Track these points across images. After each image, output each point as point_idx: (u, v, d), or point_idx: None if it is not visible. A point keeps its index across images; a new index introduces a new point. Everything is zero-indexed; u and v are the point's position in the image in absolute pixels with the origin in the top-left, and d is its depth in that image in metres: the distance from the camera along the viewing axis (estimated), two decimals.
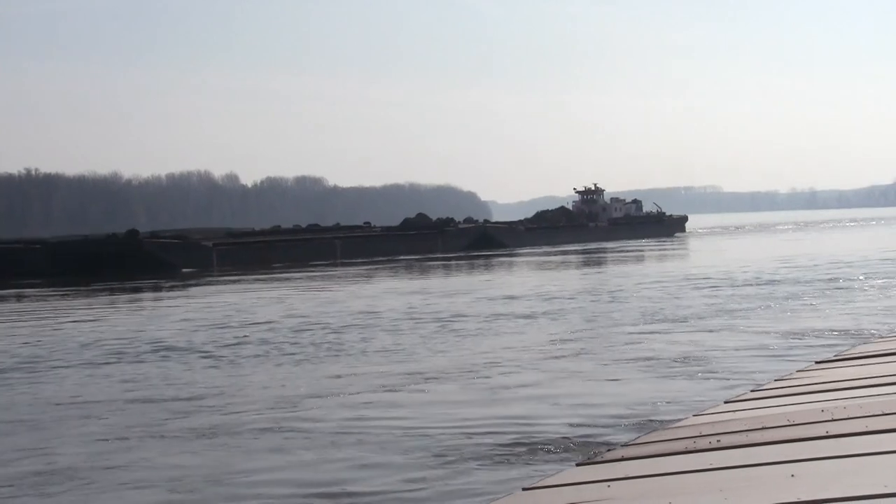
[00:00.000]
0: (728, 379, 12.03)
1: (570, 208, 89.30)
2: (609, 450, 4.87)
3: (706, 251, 55.10)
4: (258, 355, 15.72)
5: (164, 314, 24.33)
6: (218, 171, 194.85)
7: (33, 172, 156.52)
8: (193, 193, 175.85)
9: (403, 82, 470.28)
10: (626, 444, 4.78)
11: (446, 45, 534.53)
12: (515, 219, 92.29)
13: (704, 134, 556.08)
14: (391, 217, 77.87)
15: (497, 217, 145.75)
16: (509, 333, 17.66)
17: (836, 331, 16.03)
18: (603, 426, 9.67)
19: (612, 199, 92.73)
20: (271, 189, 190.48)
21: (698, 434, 4.41)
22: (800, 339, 15.28)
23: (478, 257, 55.71)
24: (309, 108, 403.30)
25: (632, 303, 22.48)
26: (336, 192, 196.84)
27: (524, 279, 34.78)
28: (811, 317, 18.35)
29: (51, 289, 37.17)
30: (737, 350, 14.40)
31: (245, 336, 18.24)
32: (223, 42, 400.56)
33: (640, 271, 36.65)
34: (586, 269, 41.22)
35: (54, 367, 15.20)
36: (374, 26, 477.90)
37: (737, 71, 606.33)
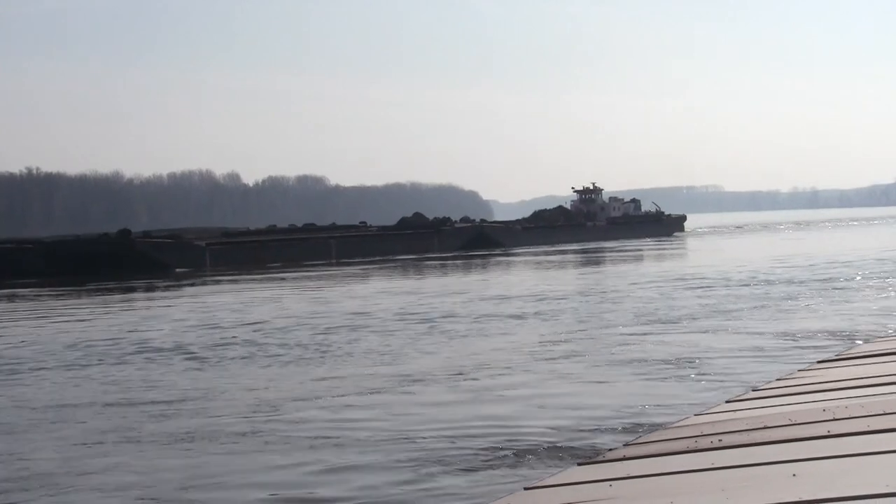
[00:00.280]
0: (720, 381, 11.83)
1: (569, 208, 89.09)
2: (610, 449, 4.83)
3: (704, 251, 54.88)
4: (244, 357, 15.51)
5: (152, 315, 24.12)
6: (219, 171, 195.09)
7: (34, 172, 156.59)
8: (195, 193, 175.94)
9: (403, 82, 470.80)
10: (627, 444, 4.74)
11: (446, 45, 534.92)
12: (517, 218, 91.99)
13: (705, 134, 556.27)
14: (393, 216, 77.65)
15: (499, 216, 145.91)
16: (500, 334, 17.45)
17: (830, 332, 15.81)
18: (589, 430, 9.48)
19: (610, 198, 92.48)
20: (273, 188, 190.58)
21: (699, 433, 4.40)
22: (794, 340, 15.07)
23: (474, 257, 55.49)
24: (309, 107, 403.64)
25: (626, 303, 22.27)
26: (338, 191, 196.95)
27: (519, 279, 34.55)
28: (806, 317, 18.13)
29: (42, 289, 36.99)
30: (730, 352, 14.19)
31: (233, 337, 18.02)
32: (223, 42, 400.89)
33: (635, 271, 36.44)
34: (582, 269, 41.00)
35: (36, 369, 14.98)
36: (374, 26, 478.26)
37: (737, 71, 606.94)
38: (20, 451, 9.66)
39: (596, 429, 9.53)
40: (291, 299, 27.58)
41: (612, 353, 14.53)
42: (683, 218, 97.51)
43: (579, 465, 4.38)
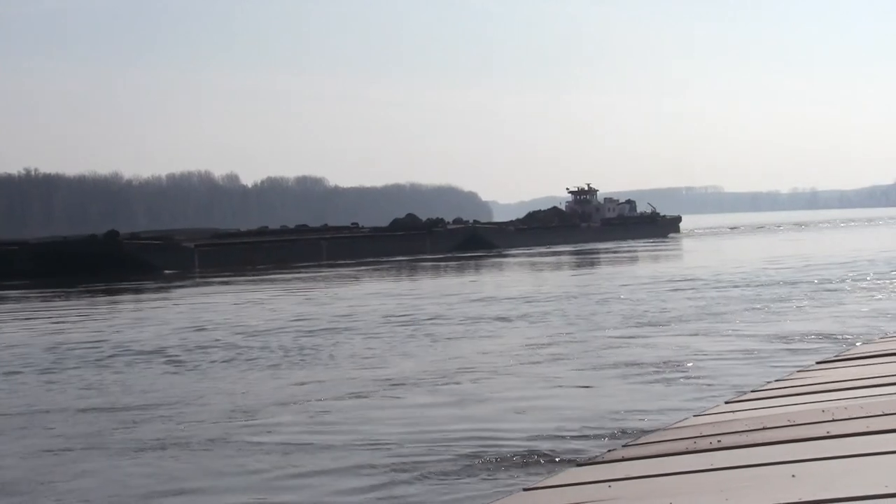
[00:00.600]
0: (708, 385, 11.62)
1: (563, 209, 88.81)
2: (610, 450, 4.74)
3: (699, 252, 54.66)
4: (225, 360, 15.25)
5: (135, 317, 23.88)
6: (218, 172, 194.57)
7: (33, 173, 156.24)
8: (194, 194, 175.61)
9: (403, 82, 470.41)
10: (626, 445, 4.73)
11: (446, 44, 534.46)
12: (516, 219, 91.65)
13: (705, 134, 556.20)
14: (391, 218, 77.27)
15: (498, 217, 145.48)
16: (487, 337, 17.21)
17: (820, 334, 15.58)
18: (571, 437, 9.25)
19: (605, 199, 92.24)
20: (272, 189, 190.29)
21: (699, 434, 4.40)
22: (784, 342, 14.85)
23: (466, 258, 55.22)
24: (309, 107, 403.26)
25: (615, 305, 22.03)
26: (337, 192, 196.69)
27: (509, 281, 34.36)
28: (797, 320, 17.91)
29: (31, 290, 36.72)
30: (719, 354, 13.97)
31: (216, 340, 17.76)
32: (223, 42, 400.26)
33: (627, 273, 36.24)
34: (573, 271, 40.80)
35: (11, 373, 14.71)
36: (374, 26, 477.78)
37: (737, 71, 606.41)
38: None
39: (578, 436, 9.30)
40: (278, 301, 27.34)
41: (599, 357, 14.30)
42: (679, 219, 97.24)
43: (578, 465, 4.37)
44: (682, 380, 12.11)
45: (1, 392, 13.19)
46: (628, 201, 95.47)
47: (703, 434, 4.38)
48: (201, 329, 19.86)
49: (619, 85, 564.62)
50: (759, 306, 20.41)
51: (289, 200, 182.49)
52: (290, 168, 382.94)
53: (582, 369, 13.27)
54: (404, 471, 8.29)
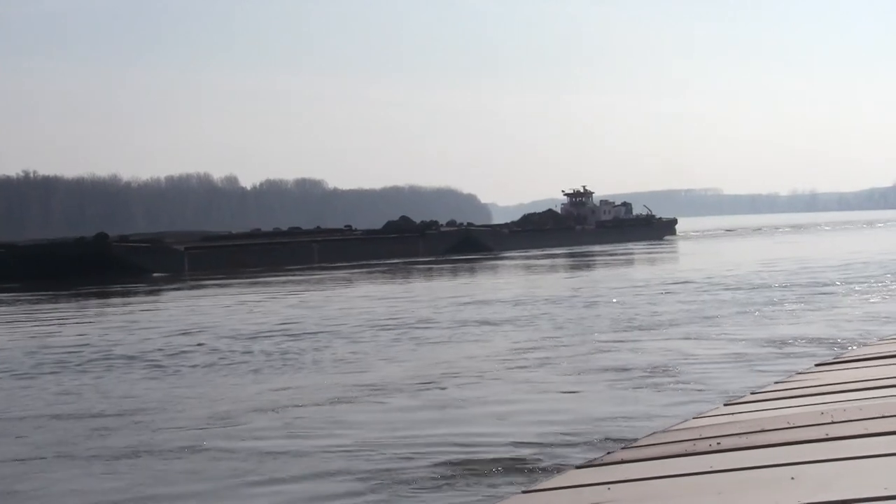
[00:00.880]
0: (698, 391, 11.41)
1: (559, 211, 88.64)
2: (608, 452, 4.73)
3: (694, 255, 54.45)
4: (206, 365, 15.00)
5: (120, 321, 23.60)
6: (217, 174, 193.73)
7: (31, 175, 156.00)
8: (193, 196, 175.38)
9: (403, 82, 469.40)
10: (625, 447, 4.72)
11: (446, 45, 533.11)
12: (510, 221, 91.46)
13: (705, 135, 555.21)
14: (390, 220, 77.08)
15: (497, 220, 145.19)
16: (474, 341, 16.98)
17: (813, 339, 15.36)
18: (556, 445, 9.04)
19: (601, 201, 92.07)
20: (271, 191, 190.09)
21: (698, 437, 4.40)
22: (776, 347, 14.63)
23: (459, 261, 54.96)
24: (309, 108, 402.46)
25: (605, 308, 21.81)
26: (336, 194, 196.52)
27: (501, 284, 34.14)
28: (788, 323, 17.69)
29: (20, 294, 36.51)
30: (709, 359, 13.74)
31: (199, 345, 17.51)
32: (223, 42, 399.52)
33: (620, 275, 36.02)
34: (566, 274, 40.56)
35: None
36: (374, 26, 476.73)
37: (737, 71, 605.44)
38: None
39: (563, 443, 9.08)
40: (266, 305, 27.11)
41: (588, 361, 14.07)
42: (674, 221, 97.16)
43: (577, 468, 4.37)
44: (670, 385, 11.88)
45: None
46: (624, 203, 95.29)
47: (702, 436, 4.38)
48: (186, 333, 19.61)
49: (619, 85, 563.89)
50: (750, 310, 20.19)
51: (287, 203, 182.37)
52: (289, 169, 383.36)
53: (569, 374, 13.04)
54: (380, 478, 8.09)
